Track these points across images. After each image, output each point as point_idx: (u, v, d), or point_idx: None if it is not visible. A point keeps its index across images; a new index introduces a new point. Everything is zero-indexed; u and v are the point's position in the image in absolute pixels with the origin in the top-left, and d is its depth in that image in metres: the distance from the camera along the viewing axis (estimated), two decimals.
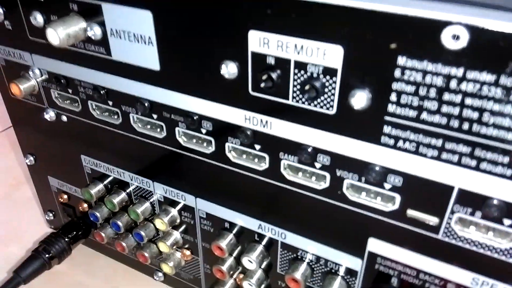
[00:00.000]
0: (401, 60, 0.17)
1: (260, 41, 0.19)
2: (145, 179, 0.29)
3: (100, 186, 0.31)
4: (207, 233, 0.28)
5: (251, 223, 0.26)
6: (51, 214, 0.38)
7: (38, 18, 0.25)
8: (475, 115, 0.17)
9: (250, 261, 0.26)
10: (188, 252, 0.31)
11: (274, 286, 0.28)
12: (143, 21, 0.22)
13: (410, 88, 0.17)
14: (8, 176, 0.48)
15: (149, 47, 0.22)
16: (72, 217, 0.36)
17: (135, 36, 0.23)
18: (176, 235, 0.30)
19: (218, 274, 0.28)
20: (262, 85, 0.20)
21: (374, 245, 0.22)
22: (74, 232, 0.33)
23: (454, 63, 0.16)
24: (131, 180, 0.30)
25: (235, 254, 0.28)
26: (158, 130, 0.26)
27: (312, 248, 0.24)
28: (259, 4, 0.18)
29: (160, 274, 0.34)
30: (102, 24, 0.23)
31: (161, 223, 0.29)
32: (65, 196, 0.35)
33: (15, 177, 0.48)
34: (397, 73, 0.17)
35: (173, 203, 0.29)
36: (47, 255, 0.31)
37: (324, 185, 0.22)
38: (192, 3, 0.20)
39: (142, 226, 0.30)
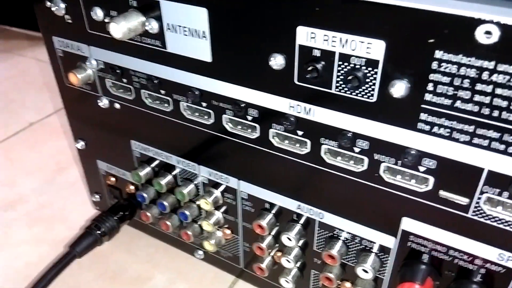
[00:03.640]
0: (439, 54, 0.19)
1: (307, 36, 0.21)
2: (191, 163, 0.31)
3: (148, 169, 0.34)
4: (247, 213, 0.31)
5: (290, 204, 0.28)
6: (97, 196, 0.41)
7: (98, 13, 0.28)
8: (504, 103, 0.19)
9: (289, 238, 0.28)
10: (228, 231, 0.33)
11: (310, 263, 0.30)
12: (198, 17, 0.24)
13: (446, 79, 0.19)
14: (51, 161, 0.51)
15: (202, 40, 0.25)
16: (118, 198, 0.38)
17: (190, 31, 0.25)
18: (218, 215, 0.32)
19: (258, 251, 0.30)
20: (308, 75, 0.22)
21: (407, 223, 0.24)
22: (122, 212, 0.36)
23: (486, 57, 0.18)
24: (178, 163, 0.32)
25: (273, 232, 0.30)
26: (206, 117, 0.28)
27: (348, 227, 0.27)
28: (308, 2, 0.20)
29: (200, 252, 0.37)
30: (159, 19, 0.26)
31: (205, 203, 0.31)
32: (113, 179, 0.38)
33: (58, 162, 0.51)
34: (434, 65, 0.19)
35: (216, 185, 0.31)
36: (98, 232, 0.34)
37: (362, 168, 0.24)
38: (245, 1, 0.22)
39: (186, 206, 0.33)
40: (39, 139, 0.55)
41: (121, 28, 0.25)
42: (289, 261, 0.29)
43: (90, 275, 0.38)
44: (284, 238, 0.28)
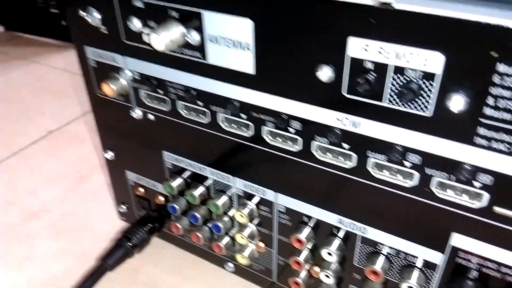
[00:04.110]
0: (501, 67, 0.18)
1: (360, 47, 0.21)
2: (226, 174, 0.31)
3: (180, 180, 0.33)
4: (284, 226, 0.30)
5: (330, 218, 0.28)
6: (124, 207, 0.40)
7: (135, 24, 0.27)
8: None
9: (330, 253, 0.28)
10: (262, 244, 0.32)
11: (348, 277, 0.30)
12: (243, 28, 0.24)
13: (507, 93, 0.19)
14: (72, 170, 0.51)
15: (246, 52, 0.24)
16: (147, 209, 0.38)
17: (233, 42, 0.24)
18: (252, 227, 0.32)
19: (294, 265, 0.30)
20: (359, 88, 0.22)
21: (457, 239, 0.24)
22: (151, 224, 0.35)
23: None
24: (212, 175, 0.32)
25: (310, 246, 0.30)
26: (245, 129, 0.28)
27: (392, 242, 0.26)
28: (362, 13, 0.20)
29: (231, 264, 0.36)
30: (200, 30, 0.25)
31: (241, 216, 0.31)
32: (141, 189, 0.37)
33: (79, 170, 0.51)
34: (496, 79, 0.19)
35: (251, 197, 0.31)
36: (129, 244, 0.34)
37: (411, 182, 0.23)
38: (293, 12, 0.22)
39: (219, 218, 0.33)
40: (58, 147, 0.55)
41: (163, 39, 0.24)
42: (328, 276, 0.29)
43: (122, 282, 0.37)
44: (324, 253, 0.28)
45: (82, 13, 0.29)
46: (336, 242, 0.28)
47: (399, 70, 0.20)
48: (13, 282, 0.38)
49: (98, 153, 0.54)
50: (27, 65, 0.76)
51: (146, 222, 0.35)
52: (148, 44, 0.28)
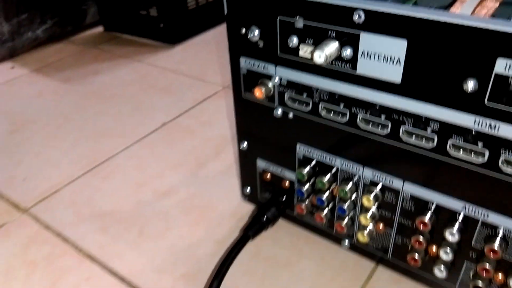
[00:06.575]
0: None
1: (506, 66, 0.26)
2: (356, 164, 0.37)
3: (309, 168, 0.39)
4: (406, 211, 0.36)
5: (454, 204, 0.33)
6: (249, 189, 0.47)
7: (294, 40, 0.34)
8: None
9: (452, 234, 0.33)
10: (382, 225, 0.38)
11: (464, 255, 0.34)
12: (397, 47, 0.29)
13: None
14: (190, 157, 0.59)
15: (395, 66, 0.30)
16: (271, 192, 0.45)
17: (384, 57, 0.30)
18: (375, 210, 0.38)
19: (416, 244, 0.35)
20: (501, 99, 0.26)
21: None
22: (280, 204, 0.42)
23: None
24: (341, 165, 0.38)
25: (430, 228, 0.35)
26: (381, 128, 0.33)
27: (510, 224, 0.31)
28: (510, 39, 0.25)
29: (346, 242, 0.42)
30: (354, 46, 0.31)
31: (367, 201, 0.36)
32: (269, 176, 0.44)
33: (196, 158, 0.59)
34: None
35: (377, 184, 0.36)
36: (267, 218, 0.40)
37: None
38: (449, 34, 0.27)
39: (343, 201, 0.38)
40: (174, 137, 0.63)
41: (324, 56, 0.31)
42: (447, 253, 0.34)
43: (246, 257, 0.44)
44: (446, 234, 0.33)
45: (243, 30, 0.36)
46: (457, 225, 0.33)
47: None
48: (157, 249, 0.46)
49: (210, 144, 0.61)
50: (131, 63, 0.86)
51: (276, 201, 0.42)
52: (301, 57, 0.34)
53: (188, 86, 0.76)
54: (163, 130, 0.65)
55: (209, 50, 0.90)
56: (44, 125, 0.68)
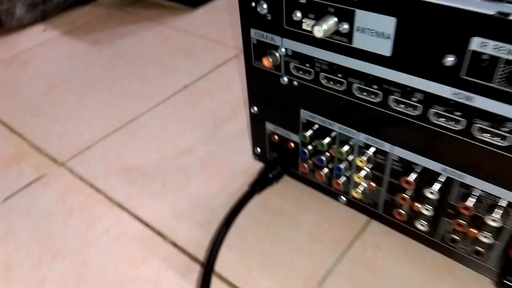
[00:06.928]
0: None
1: (480, 44, 0.29)
2: (352, 129, 0.41)
3: (311, 132, 0.44)
4: (394, 171, 0.40)
5: (435, 166, 0.37)
6: (259, 149, 0.52)
7: (298, 14, 0.37)
8: None
9: (432, 192, 0.37)
10: (373, 183, 0.42)
11: (442, 212, 0.39)
12: (387, 23, 0.32)
13: None
14: (208, 118, 0.64)
15: (386, 40, 0.33)
16: (278, 152, 0.49)
17: (376, 33, 0.33)
18: (368, 170, 0.42)
19: (401, 200, 0.40)
20: (475, 73, 0.30)
21: None
22: (285, 163, 0.47)
23: None
24: (339, 129, 0.42)
25: (415, 187, 0.39)
26: (374, 96, 0.37)
27: (485, 187, 0.34)
28: (485, 19, 0.28)
29: (343, 198, 0.47)
30: (350, 22, 0.34)
31: (360, 162, 0.41)
32: (276, 137, 0.48)
33: (213, 119, 0.64)
34: None
35: (369, 147, 0.40)
36: (272, 175, 0.46)
37: (506, 143, 0.31)
38: (431, 15, 0.30)
39: (340, 161, 0.43)
40: (194, 99, 0.68)
41: (323, 30, 0.34)
42: (428, 210, 0.38)
43: (255, 208, 0.50)
44: (427, 192, 0.37)
45: (253, 3, 0.39)
46: (438, 185, 0.37)
47: (508, 62, 0.28)
48: (177, 200, 0.52)
49: (226, 106, 0.66)
50: (154, 26, 0.90)
51: (281, 161, 0.47)
52: (304, 30, 0.37)
53: (208, 49, 0.80)
54: (184, 93, 0.70)
55: (229, 13, 0.92)
56: (76, 86, 0.74)
